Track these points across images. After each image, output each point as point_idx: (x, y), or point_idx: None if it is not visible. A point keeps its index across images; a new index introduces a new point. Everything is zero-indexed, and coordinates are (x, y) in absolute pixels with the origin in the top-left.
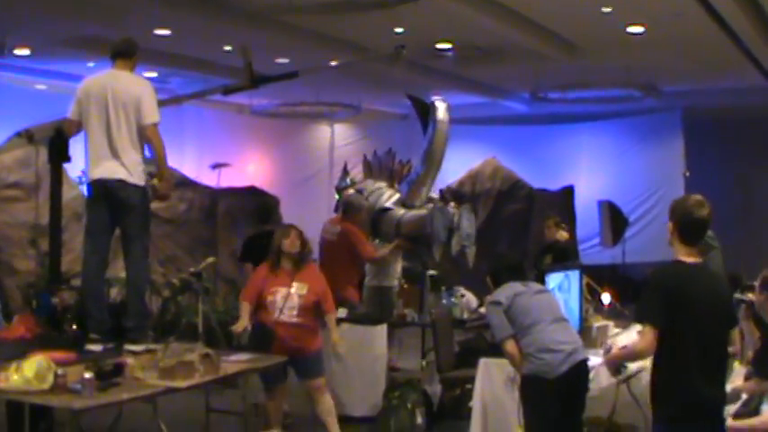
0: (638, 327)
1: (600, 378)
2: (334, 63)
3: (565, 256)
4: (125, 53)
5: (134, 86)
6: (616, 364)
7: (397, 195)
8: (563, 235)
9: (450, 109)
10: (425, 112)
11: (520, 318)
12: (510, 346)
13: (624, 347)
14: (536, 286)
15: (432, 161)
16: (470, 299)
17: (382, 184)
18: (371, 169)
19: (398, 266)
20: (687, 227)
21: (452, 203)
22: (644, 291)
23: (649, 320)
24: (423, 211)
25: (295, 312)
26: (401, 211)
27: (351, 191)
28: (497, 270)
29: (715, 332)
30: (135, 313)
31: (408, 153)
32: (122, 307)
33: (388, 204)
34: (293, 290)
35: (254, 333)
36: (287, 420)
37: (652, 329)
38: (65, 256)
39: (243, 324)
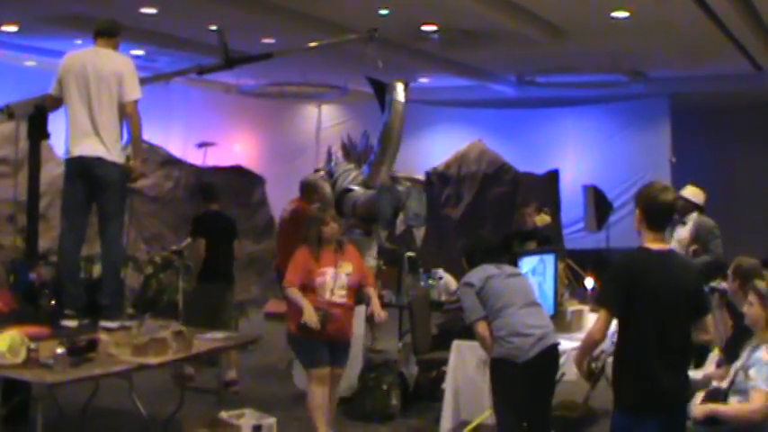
0: None
1: (571, 362)
2: (310, 45)
3: (548, 244)
4: (107, 32)
5: (115, 63)
6: (584, 366)
7: (362, 176)
8: (544, 219)
9: (408, 90)
10: (383, 93)
11: (491, 300)
12: (481, 328)
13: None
14: (509, 269)
15: (388, 141)
16: (449, 281)
17: (351, 166)
18: (347, 151)
19: (372, 249)
20: (652, 212)
21: (407, 183)
22: (605, 276)
23: (604, 305)
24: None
25: (344, 292)
26: (360, 192)
27: (321, 173)
28: (472, 252)
29: (677, 321)
30: (110, 291)
31: None
32: (98, 284)
33: (351, 185)
34: (340, 269)
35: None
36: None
37: (606, 314)
38: (48, 232)
39: (312, 313)
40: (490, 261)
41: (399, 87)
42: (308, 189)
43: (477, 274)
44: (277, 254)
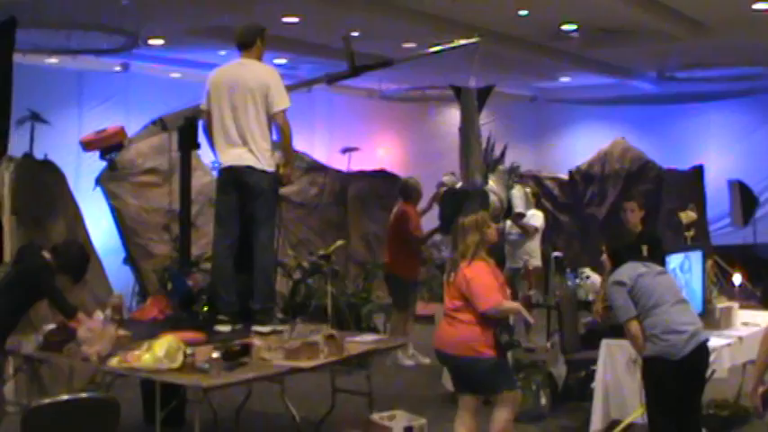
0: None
1: (723, 360)
2: (426, 52)
3: (660, 246)
4: (245, 44)
5: (260, 75)
6: (760, 391)
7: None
8: (690, 216)
9: (488, 95)
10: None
11: (643, 299)
12: (634, 327)
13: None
14: (656, 267)
15: (465, 147)
16: (596, 280)
17: None
18: None
19: (530, 246)
20: None
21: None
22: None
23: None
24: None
25: None
26: None
27: (446, 177)
28: (616, 249)
29: None
30: (262, 296)
31: (535, 134)
32: (250, 289)
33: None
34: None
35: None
36: None
37: None
38: (199, 240)
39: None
40: (635, 258)
41: (470, 94)
42: (404, 191)
43: (626, 273)
44: (387, 257)
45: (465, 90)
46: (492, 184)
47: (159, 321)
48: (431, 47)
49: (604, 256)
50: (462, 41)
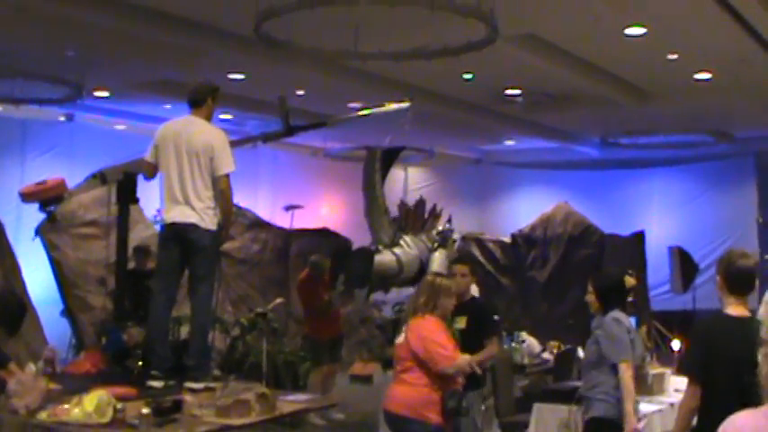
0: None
1: (654, 426)
2: (358, 114)
3: (483, 317)
4: (196, 101)
5: (207, 136)
6: None
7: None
8: (630, 281)
9: (376, 156)
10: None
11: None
12: (631, 368)
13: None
14: (635, 333)
15: (367, 206)
16: (532, 344)
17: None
18: (406, 214)
19: None
20: (733, 278)
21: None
22: (687, 343)
23: (688, 373)
24: None
25: None
26: None
27: None
28: (608, 289)
29: (759, 390)
30: (197, 352)
31: (479, 196)
32: (185, 345)
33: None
34: None
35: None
36: None
37: (693, 382)
38: None
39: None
40: (621, 305)
41: (373, 156)
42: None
43: (626, 320)
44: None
45: (368, 152)
46: (404, 245)
47: (92, 375)
48: (362, 110)
49: (590, 296)
50: (394, 105)
